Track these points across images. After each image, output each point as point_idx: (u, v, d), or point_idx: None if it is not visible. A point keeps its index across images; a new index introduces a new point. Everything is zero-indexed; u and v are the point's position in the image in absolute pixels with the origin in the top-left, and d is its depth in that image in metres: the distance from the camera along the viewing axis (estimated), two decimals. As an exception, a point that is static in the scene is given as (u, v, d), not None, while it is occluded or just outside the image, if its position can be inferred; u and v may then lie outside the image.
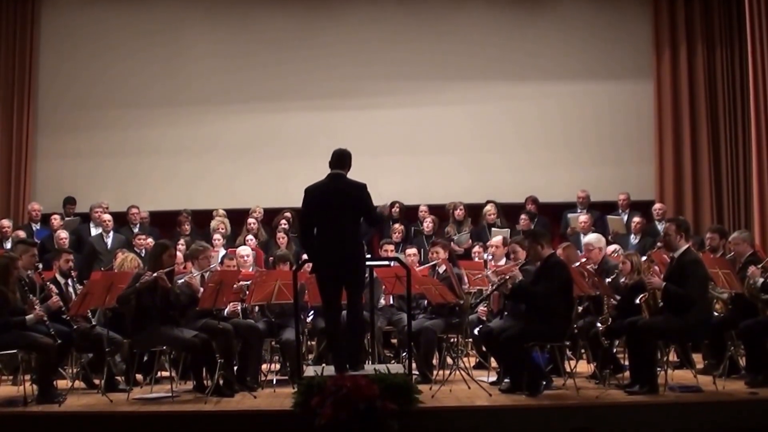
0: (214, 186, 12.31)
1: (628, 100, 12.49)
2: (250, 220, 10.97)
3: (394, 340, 8.93)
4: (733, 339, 7.48)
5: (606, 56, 12.54)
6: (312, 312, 8.24)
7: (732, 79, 12.19)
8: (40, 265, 7.68)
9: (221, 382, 7.05)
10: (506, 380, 7.10)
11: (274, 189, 11.99)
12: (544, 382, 6.97)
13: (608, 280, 7.68)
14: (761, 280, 7.28)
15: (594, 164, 12.38)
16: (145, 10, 12.67)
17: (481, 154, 12.47)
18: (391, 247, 9.27)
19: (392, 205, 11.47)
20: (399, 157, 12.33)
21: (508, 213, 11.49)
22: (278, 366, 8.45)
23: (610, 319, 7.31)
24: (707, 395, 6.69)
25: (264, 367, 8.08)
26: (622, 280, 7.58)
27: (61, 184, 12.15)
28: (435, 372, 7.66)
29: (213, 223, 10.82)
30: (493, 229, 10.85)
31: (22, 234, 10.26)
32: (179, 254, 8.67)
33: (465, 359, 8.26)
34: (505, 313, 7.64)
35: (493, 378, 7.53)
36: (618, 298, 7.50)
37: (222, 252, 9.84)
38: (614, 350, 7.69)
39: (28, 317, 6.82)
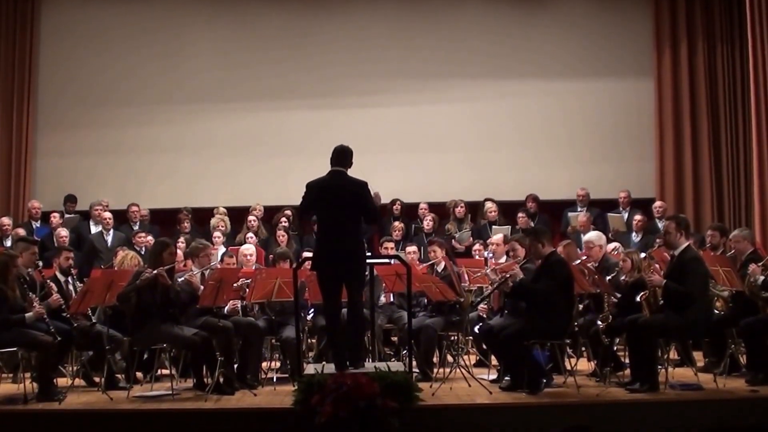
0: (214, 183, 12.31)
1: (629, 97, 12.48)
2: (251, 218, 10.97)
3: (395, 338, 8.93)
4: (734, 337, 7.47)
5: (606, 54, 12.53)
6: (312, 310, 8.24)
7: (732, 76, 12.18)
8: (40, 263, 7.67)
9: (221, 380, 7.05)
10: (507, 378, 7.10)
11: (274, 186, 11.98)
12: (545, 380, 6.96)
13: (608, 277, 7.67)
14: (762, 277, 7.27)
15: (594, 162, 12.38)
16: (144, 8, 12.66)
17: (481, 152, 12.47)
18: (392, 244, 9.27)
19: (392, 202, 11.48)
20: (399, 155, 12.33)
21: (509, 211, 11.48)
22: (278, 364, 8.45)
23: (611, 316, 7.30)
24: (708, 393, 6.69)
25: (264, 365, 8.07)
26: (623, 277, 7.57)
27: (60, 181, 12.15)
28: (435, 370, 7.65)
29: (213, 221, 10.81)
30: (494, 226, 10.84)
31: (21, 232, 10.25)
32: (179, 252, 8.66)
33: (465, 357, 8.27)
34: (506, 311, 7.63)
35: (494, 376, 7.53)
36: (618, 295, 7.49)
37: (222, 250, 9.83)
38: (615, 348, 7.68)
39: (27, 315, 6.81)
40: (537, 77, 12.48)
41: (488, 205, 11.33)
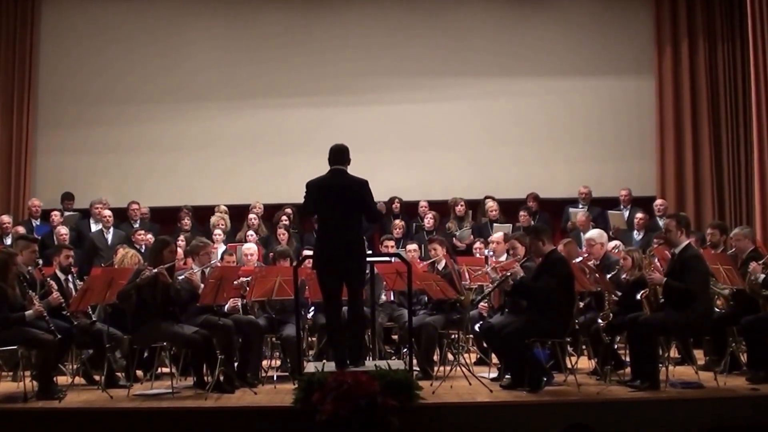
0: (214, 181, 12.30)
1: (630, 95, 12.47)
2: (251, 216, 10.97)
3: (395, 336, 8.93)
4: (735, 335, 7.47)
5: (607, 52, 12.52)
6: (313, 308, 8.24)
7: (733, 74, 12.17)
8: (41, 261, 7.66)
9: (222, 378, 7.04)
10: (507, 376, 7.10)
11: (275, 184, 11.98)
12: (545, 378, 6.96)
13: (609, 275, 7.66)
14: (762, 276, 7.27)
15: (595, 160, 12.37)
16: (144, 7, 12.66)
17: (482, 150, 12.46)
18: (392, 243, 9.27)
19: (392, 200, 11.47)
20: (400, 153, 12.32)
21: (510, 209, 11.47)
22: (279, 362, 8.44)
23: (611, 315, 7.29)
24: (708, 391, 6.69)
25: (264, 363, 8.06)
26: (624, 275, 7.57)
27: (61, 179, 12.14)
28: (436, 368, 7.64)
29: (213, 219, 10.81)
30: (494, 224, 10.84)
31: (21, 230, 10.25)
32: (180, 250, 8.66)
33: (466, 355, 8.25)
34: (506, 309, 7.63)
35: (494, 374, 7.53)
36: (619, 293, 7.48)
37: (222, 248, 9.82)
38: (615, 346, 7.68)
39: (27, 313, 6.81)
40: (538, 75, 12.46)
41: (489, 203, 11.33)
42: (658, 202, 11.37)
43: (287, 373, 7.75)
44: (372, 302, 7.49)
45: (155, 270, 7.00)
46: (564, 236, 10.18)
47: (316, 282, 7.08)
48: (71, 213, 11.37)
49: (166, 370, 7.83)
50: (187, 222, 11.06)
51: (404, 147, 12.37)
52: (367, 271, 7.09)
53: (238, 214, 11.34)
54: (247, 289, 7.63)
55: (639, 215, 10.86)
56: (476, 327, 8.06)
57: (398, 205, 11.49)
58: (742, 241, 7.76)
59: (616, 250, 8.48)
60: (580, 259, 7.98)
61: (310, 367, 6.74)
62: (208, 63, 12.57)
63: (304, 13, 12.66)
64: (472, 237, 10.72)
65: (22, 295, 6.94)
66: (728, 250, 7.93)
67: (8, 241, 10.00)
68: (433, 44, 12.55)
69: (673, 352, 7.85)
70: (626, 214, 11.28)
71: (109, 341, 7.37)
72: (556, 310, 6.87)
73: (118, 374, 7.68)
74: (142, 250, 9.47)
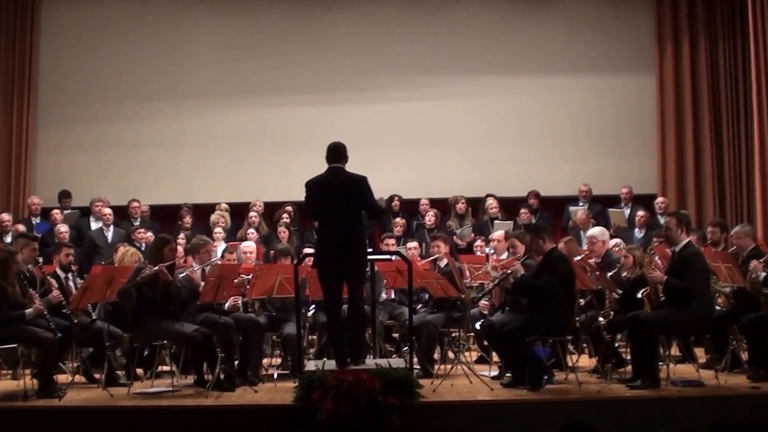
0: (214, 179, 12.29)
1: (631, 93, 12.44)
2: (252, 214, 10.96)
3: (396, 335, 8.92)
4: (735, 333, 7.45)
5: (608, 50, 12.50)
6: (313, 306, 8.23)
7: (734, 72, 12.14)
8: (41, 259, 7.65)
9: (222, 376, 7.03)
10: (508, 375, 7.09)
11: (275, 182, 11.97)
12: (546, 377, 6.95)
13: (610, 274, 7.65)
14: (763, 274, 7.25)
15: (596, 158, 12.35)
16: (144, 4, 12.65)
17: (483, 148, 12.44)
18: (393, 241, 9.25)
19: (392, 198, 11.46)
20: (401, 151, 12.31)
21: (511, 207, 11.46)
22: (279, 360, 8.43)
23: (612, 313, 7.29)
24: (709, 389, 6.68)
25: (265, 361, 8.07)
26: (624, 274, 7.55)
27: (60, 177, 12.13)
28: (436, 366, 7.64)
29: (213, 217, 10.80)
30: (495, 222, 10.83)
31: (21, 228, 10.24)
32: (180, 248, 8.65)
33: (466, 353, 8.24)
34: (507, 307, 7.62)
35: (495, 372, 7.52)
36: (620, 292, 7.47)
37: (222, 246, 9.81)
38: (616, 344, 7.67)
39: (27, 311, 6.80)
40: (539, 73, 12.45)
41: (489, 201, 11.32)
42: (659, 199, 11.36)
43: (288, 372, 7.75)
44: (372, 300, 7.48)
45: (155, 268, 6.99)
46: (564, 234, 10.18)
47: (316, 280, 7.07)
48: (70, 211, 11.34)
49: (166, 368, 7.83)
50: (187, 220, 11.05)
51: (404, 145, 12.35)
52: (368, 269, 7.08)
53: (238, 212, 11.33)
54: (248, 287, 7.62)
55: (640, 213, 10.85)
56: (477, 325, 8.05)
57: (398, 203, 11.49)
58: (743, 239, 7.75)
59: (617, 248, 8.46)
60: (581, 257, 7.96)
61: (310, 365, 6.73)
62: (208, 60, 12.56)
63: (304, 11, 12.64)
64: (472, 235, 10.71)
65: (22, 294, 6.94)
66: (729, 248, 7.92)
67: (8, 239, 9.99)
68: (434, 42, 12.53)
69: (674, 351, 7.84)
70: (627, 212, 11.27)
71: (109, 339, 7.36)
72: (557, 308, 6.86)
73: (119, 372, 7.67)
74: (143, 248, 9.47)
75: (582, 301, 7.79)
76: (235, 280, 7.49)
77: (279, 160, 12.22)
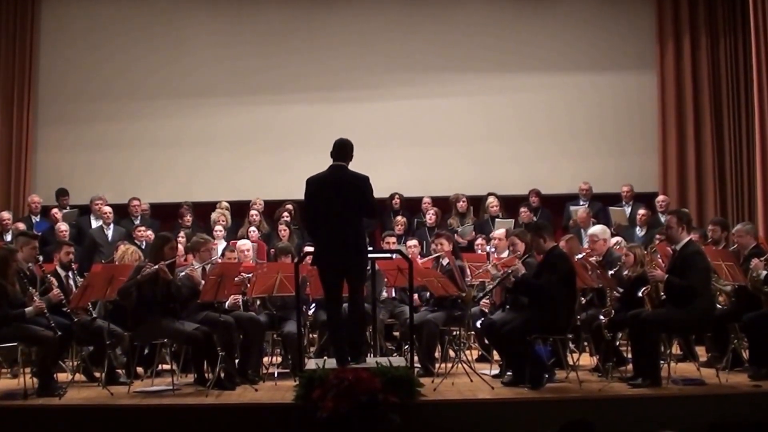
0: (214, 178, 12.29)
1: (632, 91, 12.44)
2: (253, 212, 10.95)
3: (396, 333, 8.91)
4: (737, 331, 7.44)
5: (609, 47, 12.49)
6: (314, 305, 8.22)
7: (736, 70, 12.12)
8: (41, 258, 7.65)
9: (222, 375, 7.02)
10: (509, 373, 7.08)
11: (276, 181, 11.97)
12: (547, 375, 6.94)
13: (611, 272, 7.64)
14: (764, 272, 7.25)
15: (597, 156, 12.35)
16: (144, 3, 12.66)
17: (484, 146, 12.43)
18: (393, 239, 9.24)
19: (392, 197, 11.45)
20: (401, 149, 12.30)
21: (512, 205, 11.45)
22: (280, 359, 8.42)
23: (613, 311, 7.28)
24: (710, 388, 6.67)
25: (265, 359, 8.07)
26: (625, 272, 7.55)
27: (61, 176, 12.13)
28: (437, 365, 7.63)
29: (214, 215, 10.79)
30: (497, 220, 10.82)
31: (21, 226, 10.23)
32: (180, 247, 8.64)
33: (467, 352, 8.23)
34: (507, 306, 7.61)
35: (496, 371, 7.51)
36: (621, 290, 7.46)
37: (223, 244, 9.80)
38: (617, 343, 7.66)
39: (27, 310, 6.79)
40: (540, 71, 12.44)
41: (490, 199, 11.31)
42: (660, 198, 11.35)
43: (288, 370, 7.74)
44: (373, 299, 7.48)
45: (156, 266, 6.98)
46: (565, 233, 10.16)
47: (317, 279, 7.06)
48: (68, 210, 11.31)
49: (166, 367, 7.82)
50: (187, 219, 11.04)
51: (405, 143, 12.35)
52: (368, 268, 7.07)
53: (239, 210, 11.32)
54: (248, 285, 7.62)
55: (641, 211, 10.84)
56: (478, 324, 8.04)
57: (399, 201, 11.48)
58: (744, 238, 7.74)
59: (618, 247, 8.45)
60: (582, 255, 7.95)
61: (311, 363, 6.72)
62: (208, 59, 12.55)
63: (305, 9, 12.63)
64: (473, 233, 10.70)
65: (22, 292, 6.93)
66: (730, 247, 7.91)
67: (8, 237, 9.98)
68: (435, 40, 12.52)
69: (675, 349, 7.83)
70: (628, 210, 11.26)
71: (109, 338, 7.35)
72: (558, 306, 6.85)
73: (119, 371, 7.66)
74: (143, 247, 9.46)
75: (583, 300, 7.78)
76: (236, 279, 7.48)
77: (279, 159, 12.21)
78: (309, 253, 7.20)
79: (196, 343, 7.05)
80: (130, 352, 7.55)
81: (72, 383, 7.21)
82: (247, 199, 11.47)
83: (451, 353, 7.79)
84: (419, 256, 8.84)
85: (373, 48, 12.53)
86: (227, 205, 11.29)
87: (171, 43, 12.57)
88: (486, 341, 8.13)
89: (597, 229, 8.33)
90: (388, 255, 7.90)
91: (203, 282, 7.32)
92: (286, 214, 10.92)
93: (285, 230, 10.39)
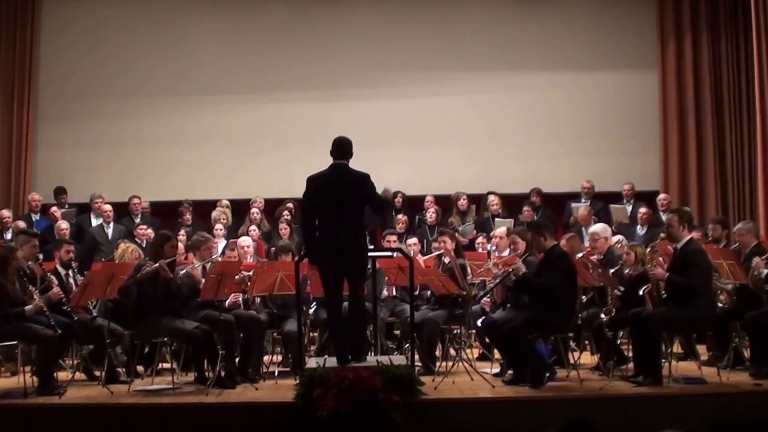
0: (215, 176, 12.28)
1: (633, 90, 12.42)
2: (253, 210, 10.94)
3: (397, 332, 8.90)
4: (738, 330, 7.42)
5: (610, 46, 12.47)
6: (314, 303, 8.21)
7: (737, 69, 12.10)
8: (41, 256, 7.64)
9: (223, 373, 7.01)
10: (509, 372, 7.06)
11: (276, 179, 11.95)
12: (548, 374, 6.93)
13: (612, 270, 7.63)
14: (766, 271, 7.25)
15: (598, 154, 12.33)
16: (145, 1, 12.61)
17: (485, 145, 12.42)
18: (394, 237, 9.22)
19: (394, 195, 11.43)
20: (403, 147, 12.29)
21: (513, 204, 11.44)
22: (280, 357, 8.41)
23: (614, 310, 7.27)
24: (711, 387, 6.66)
25: (266, 358, 8.05)
26: (627, 271, 7.54)
27: (61, 174, 12.10)
28: (438, 363, 7.62)
29: (214, 214, 10.77)
30: (496, 219, 10.80)
31: (21, 224, 10.22)
32: (180, 245, 8.63)
33: (468, 351, 8.22)
34: (508, 304, 7.61)
35: (497, 369, 7.50)
36: (622, 289, 7.45)
37: (223, 243, 9.79)
38: (618, 341, 7.65)
39: (27, 308, 6.79)
40: (541, 70, 12.42)
41: (491, 197, 11.30)
42: (661, 196, 11.33)
43: (288, 369, 7.72)
44: (374, 297, 7.47)
45: (156, 265, 6.97)
46: (566, 231, 10.15)
47: (317, 277, 7.05)
48: (66, 210, 11.27)
49: (167, 365, 7.80)
50: (187, 217, 11.03)
51: (407, 141, 12.33)
52: (369, 266, 7.06)
53: (239, 208, 11.31)
54: (249, 284, 7.61)
55: (642, 210, 10.83)
56: (478, 322, 8.03)
57: (401, 199, 11.47)
58: (746, 236, 7.74)
59: (619, 245, 8.44)
60: (583, 254, 7.94)
61: (311, 362, 6.71)
62: (209, 57, 12.54)
63: (306, 8, 12.61)
64: (474, 232, 10.69)
65: (22, 290, 6.92)
66: (731, 245, 7.90)
67: (8, 235, 9.97)
68: (436, 38, 12.50)
69: (676, 348, 7.82)
70: (629, 208, 11.24)
71: (109, 336, 7.36)
72: (559, 305, 6.84)
73: (119, 370, 7.65)
74: (143, 245, 9.45)
75: (584, 298, 7.77)
76: (236, 277, 7.47)
77: (280, 157, 12.20)
78: (306, 255, 7.17)
79: (197, 342, 7.04)
80: (131, 351, 7.55)
81: (72, 382, 7.21)
82: (248, 198, 11.45)
83: (452, 352, 7.76)
84: (419, 255, 8.83)
85: (374, 47, 12.51)
86: (228, 203, 11.28)
87: (171, 41, 12.54)
88: (487, 340, 8.12)
89: (598, 227, 8.32)
90: (389, 253, 7.89)
91: (203, 280, 7.31)
92: (286, 212, 10.91)
93: (285, 229, 10.37)
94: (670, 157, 12.18)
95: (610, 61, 12.43)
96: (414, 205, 11.62)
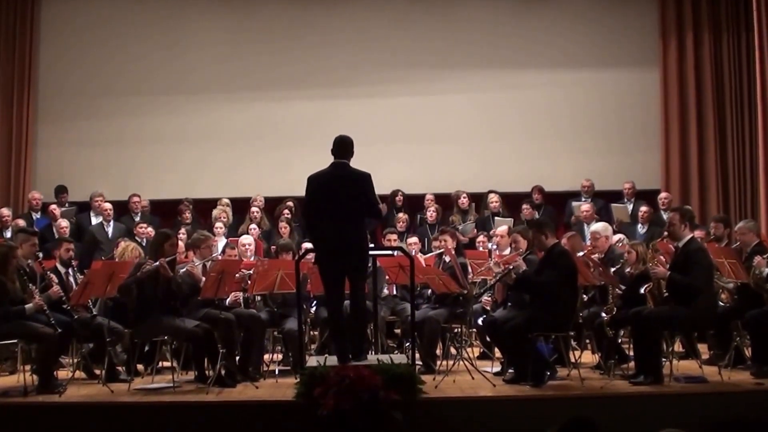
0: (215, 175, 12.26)
1: (634, 88, 12.40)
2: (253, 209, 10.93)
3: (398, 330, 8.89)
4: (739, 329, 7.40)
5: (612, 44, 12.45)
6: (315, 302, 8.20)
7: (739, 66, 12.08)
8: (41, 254, 7.63)
9: (223, 372, 7.00)
10: (510, 371, 7.06)
11: (277, 178, 11.94)
12: (549, 373, 6.93)
13: (613, 269, 7.62)
14: (767, 269, 7.22)
15: (599, 153, 12.31)
16: (145, -1, 12.63)
17: (486, 143, 12.40)
18: (395, 236, 9.22)
19: (394, 194, 11.42)
20: (403, 146, 12.27)
21: (514, 202, 11.43)
22: (281, 356, 8.40)
23: (615, 309, 7.26)
24: (712, 386, 6.66)
25: (266, 357, 8.03)
26: (628, 269, 7.53)
27: (61, 172, 12.08)
28: (438, 362, 7.61)
29: (215, 212, 10.77)
30: (496, 218, 10.79)
31: (21, 223, 10.20)
32: (181, 243, 8.62)
33: (469, 349, 8.20)
34: (509, 303, 7.59)
35: (497, 368, 7.49)
36: (623, 287, 7.44)
37: (223, 241, 9.78)
38: (619, 340, 7.64)
39: (27, 306, 6.78)
40: (542, 68, 12.39)
41: (491, 196, 11.28)
42: (663, 195, 11.32)
43: (289, 368, 7.71)
44: (374, 296, 7.46)
45: (156, 263, 6.96)
46: (567, 230, 10.14)
47: (318, 275, 7.04)
48: (66, 209, 11.25)
49: (167, 364, 7.80)
50: (187, 216, 11.01)
51: (407, 140, 12.31)
52: (370, 265, 7.04)
53: (239, 207, 11.31)
54: (249, 282, 7.60)
55: (643, 208, 10.81)
56: (479, 321, 8.02)
57: (401, 198, 11.45)
58: (747, 235, 7.72)
59: (620, 244, 8.43)
60: (584, 252, 7.92)
61: (312, 361, 6.71)
62: (209, 56, 12.52)
63: (306, 6, 12.59)
64: (475, 231, 10.68)
65: (22, 289, 6.91)
66: (732, 244, 7.88)
67: (8, 234, 9.96)
68: (436, 36, 12.48)
69: (677, 347, 7.81)
70: (630, 207, 11.23)
71: (109, 335, 7.34)
72: (560, 304, 6.83)
73: (119, 368, 7.64)
74: (143, 244, 9.44)
75: (585, 297, 7.75)
76: (236, 276, 7.46)
77: (280, 156, 12.18)
78: (310, 250, 7.18)
79: (197, 341, 7.03)
80: (131, 350, 7.55)
81: (72, 380, 7.18)
82: (248, 196, 11.44)
83: (453, 351, 7.75)
84: (420, 254, 8.82)
85: (374, 45, 12.49)
86: (228, 201, 11.27)
87: (172, 39, 12.52)
88: (488, 338, 8.10)
89: (599, 226, 8.31)
90: (390, 252, 7.89)
91: (204, 279, 7.30)
92: (286, 211, 10.89)
93: (285, 227, 10.36)
94: (671, 156, 12.16)
95: (612, 59, 12.41)
96: (414, 203, 11.60)
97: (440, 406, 6.30)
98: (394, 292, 8.52)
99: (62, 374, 7.40)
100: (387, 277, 8.17)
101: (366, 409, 5.83)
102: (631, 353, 7.25)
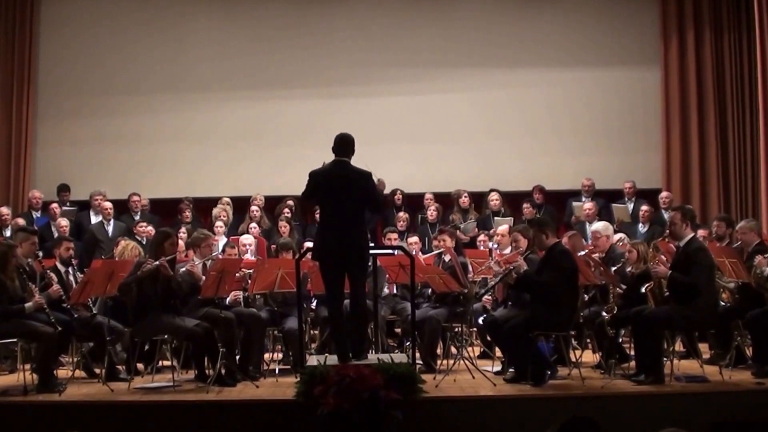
0: (215, 173, 12.25)
1: (635, 87, 12.37)
2: (253, 208, 10.93)
3: (398, 330, 8.88)
4: (740, 329, 7.41)
5: (613, 43, 12.42)
6: (315, 301, 8.20)
7: (740, 65, 12.06)
8: (40, 253, 7.62)
9: (223, 371, 7.00)
10: (511, 370, 7.06)
11: (277, 176, 11.92)
12: (549, 372, 6.93)
13: (614, 268, 7.61)
14: (768, 269, 7.22)
15: (600, 152, 12.29)
16: (145, -3, 12.62)
17: (486, 142, 12.38)
18: (395, 235, 9.21)
19: (394, 192, 11.41)
20: (403, 145, 12.24)
21: (514, 201, 11.42)
22: (281, 355, 8.39)
23: (616, 308, 7.25)
24: (713, 385, 6.65)
25: (266, 356, 8.02)
26: (628, 269, 7.52)
27: (61, 171, 12.07)
28: (439, 361, 7.61)
29: (215, 211, 10.77)
30: (496, 218, 10.78)
31: (21, 221, 10.20)
32: (181, 242, 8.61)
33: (469, 349, 8.19)
34: (510, 302, 7.58)
35: (498, 368, 7.48)
36: (624, 287, 7.43)
37: (223, 240, 9.78)
38: (620, 340, 7.63)
39: (27, 305, 6.77)
40: (543, 67, 12.38)
41: (492, 195, 11.27)
42: (664, 194, 11.31)
43: (289, 367, 7.70)
44: (375, 295, 7.45)
45: (156, 262, 6.95)
46: (567, 229, 10.13)
47: (318, 274, 7.03)
48: (67, 208, 11.24)
49: (167, 363, 7.78)
50: (187, 215, 11.00)
51: (407, 139, 12.29)
52: (370, 264, 7.03)
53: (239, 206, 11.30)
54: (249, 281, 7.59)
55: (644, 208, 10.80)
56: (480, 320, 8.01)
57: (401, 197, 11.44)
58: (748, 234, 7.71)
59: (621, 243, 8.42)
60: (585, 252, 7.91)
61: (312, 360, 6.70)
62: (209, 54, 12.50)
63: (306, 5, 12.57)
64: (476, 230, 10.67)
65: (21, 288, 6.90)
66: (734, 243, 7.87)
67: (8, 232, 9.95)
68: (437, 35, 12.46)
69: (678, 346, 7.80)
70: (630, 206, 11.21)
71: (109, 334, 7.33)
72: (560, 303, 6.82)
73: (119, 367, 7.64)
74: (143, 242, 9.43)
75: (586, 297, 7.74)
76: (237, 275, 7.45)
77: (281, 154, 12.16)
78: (310, 249, 7.17)
79: (197, 340, 7.03)
80: (131, 348, 7.53)
81: (72, 379, 7.18)
82: (248, 195, 11.43)
83: (453, 350, 7.75)
84: (420, 253, 8.81)
85: (374, 44, 12.47)
86: (228, 200, 11.26)
87: (172, 38, 12.51)
88: (488, 338, 8.09)
89: (599, 225, 8.30)
90: (390, 251, 7.88)
91: (204, 278, 7.29)
92: (286, 210, 10.89)
93: (285, 226, 10.36)
94: (672, 155, 12.14)
95: (612, 58, 12.39)
96: (414, 202, 11.59)
97: (441, 405, 6.30)
98: (395, 291, 8.51)
99: (62, 373, 7.39)
100: (387, 276, 8.16)
101: (366, 409, 5.83)
102: (632, 353, 7.25)
